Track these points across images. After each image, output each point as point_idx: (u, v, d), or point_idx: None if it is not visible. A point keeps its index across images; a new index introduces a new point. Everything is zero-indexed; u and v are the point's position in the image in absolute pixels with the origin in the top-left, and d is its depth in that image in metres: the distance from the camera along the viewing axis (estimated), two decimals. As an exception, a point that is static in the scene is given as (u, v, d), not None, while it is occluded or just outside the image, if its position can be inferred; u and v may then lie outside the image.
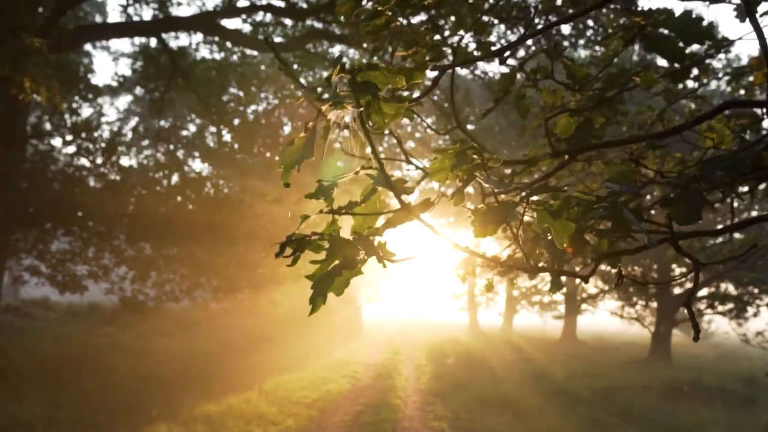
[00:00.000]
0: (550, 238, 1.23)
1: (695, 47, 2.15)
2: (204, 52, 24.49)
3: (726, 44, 2.42)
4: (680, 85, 2.90)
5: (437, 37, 1.87)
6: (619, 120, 2.41)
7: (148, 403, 8.89)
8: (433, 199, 1.15)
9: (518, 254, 3.68)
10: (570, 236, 1.06)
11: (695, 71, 2.70)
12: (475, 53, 1.94)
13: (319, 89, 1.07)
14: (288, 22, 14.03)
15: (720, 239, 16.15)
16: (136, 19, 14.28)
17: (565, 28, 10.64)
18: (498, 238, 3.83)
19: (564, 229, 1.07)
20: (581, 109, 1.86)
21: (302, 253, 1.05)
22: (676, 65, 2.08)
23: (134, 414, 8.36)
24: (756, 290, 19.17)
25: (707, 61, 2.47)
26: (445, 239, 1.12)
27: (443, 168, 1.16)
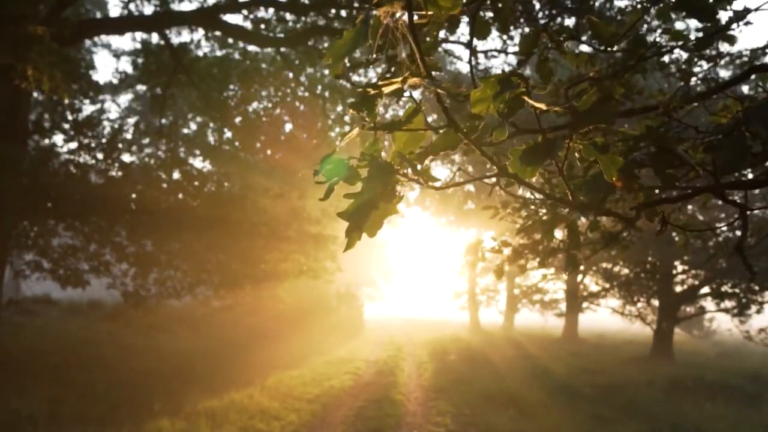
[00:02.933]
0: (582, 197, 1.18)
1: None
2: (205, 49, 24.48)
3: (746, 13, 2.39)
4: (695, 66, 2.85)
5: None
6: (635, 99, 2.37)
7: (150, 398, 8.86)
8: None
9: (529, 240, 3.62)
10: (619, 170, 1.01)
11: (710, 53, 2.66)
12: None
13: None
14: (289, 17, 13.98)
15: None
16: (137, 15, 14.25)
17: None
18: (512, 220, 3.79)
19: (612, 162, 1.03)
20: (601, 78, 1.80)
21: (339, 178, 0.99)
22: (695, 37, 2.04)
23: (137, 409, 8.32)
24: (756, 287, 19.08)
25: (728, 33, 2.43)
26: (492, 161, 1.07)
27: (485, 98, 1.09)
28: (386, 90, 1.01)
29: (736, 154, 1.01)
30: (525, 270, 3.62)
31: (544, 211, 3.66)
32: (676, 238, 20.26)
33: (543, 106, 1.02)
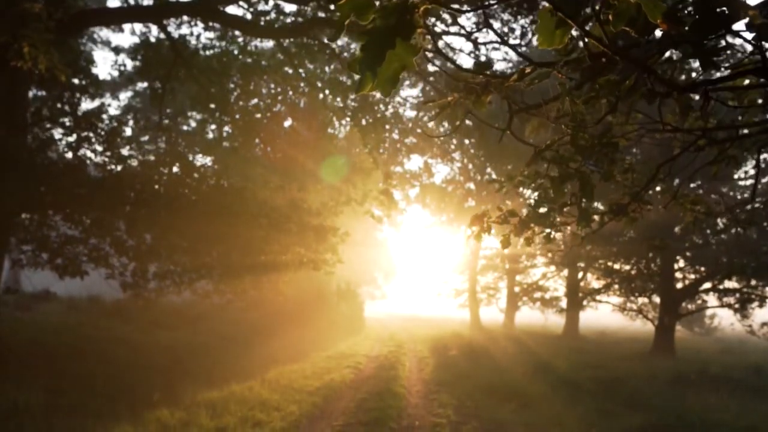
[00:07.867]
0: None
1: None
2: (205, 43, 24.51)
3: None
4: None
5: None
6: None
7: (149, 390, 8.80)
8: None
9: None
10: (663, 14, 0.94)
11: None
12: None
13: None
14: (288, 9, 13.91)
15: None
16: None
17: None
18: (517, 197, 3.71)
19: (655, 6, 0.95)
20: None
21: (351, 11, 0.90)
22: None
23: (136, 400, 8.25)
24: (756, 283, 19.01)
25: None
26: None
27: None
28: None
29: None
30: (531, 243, 3.54)
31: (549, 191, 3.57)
32: (677, 231, 20.22)
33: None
